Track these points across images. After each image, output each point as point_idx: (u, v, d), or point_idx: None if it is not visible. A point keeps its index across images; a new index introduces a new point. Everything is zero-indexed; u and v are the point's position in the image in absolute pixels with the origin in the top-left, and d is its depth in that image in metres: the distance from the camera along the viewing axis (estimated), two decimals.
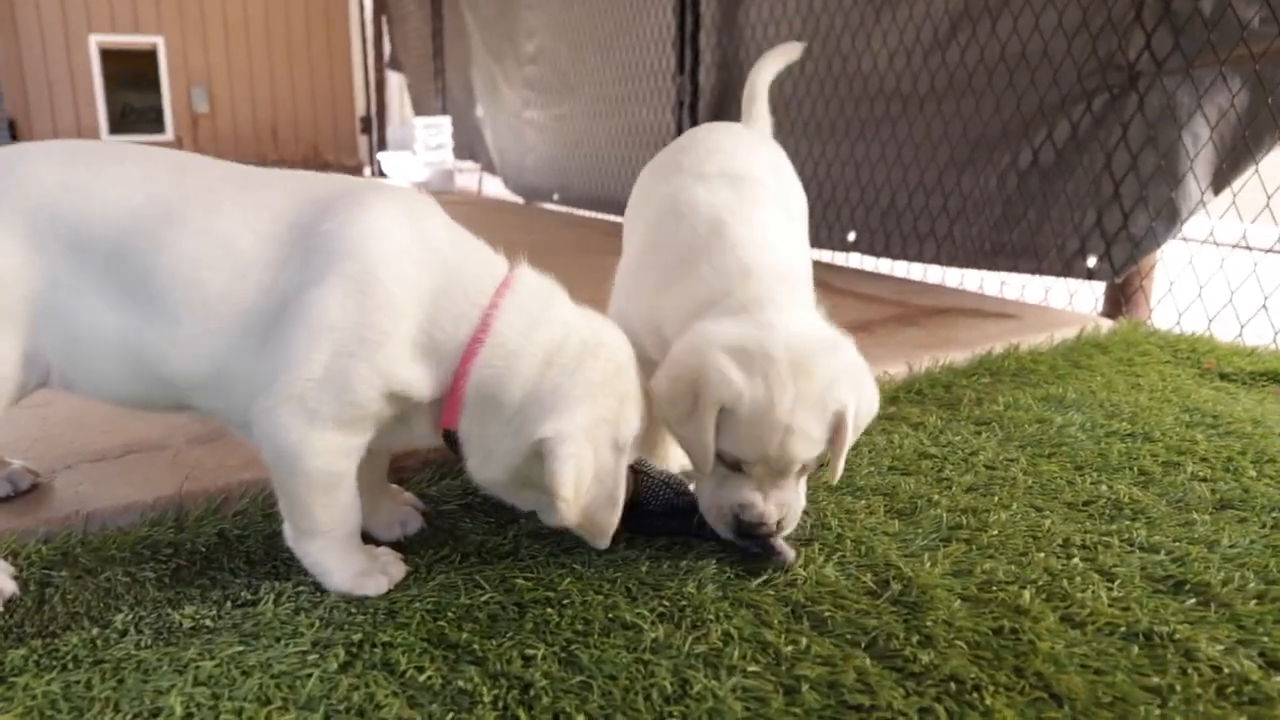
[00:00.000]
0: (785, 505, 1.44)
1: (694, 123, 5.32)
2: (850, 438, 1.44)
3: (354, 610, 1.31)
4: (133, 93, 11.66)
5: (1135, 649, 1.20)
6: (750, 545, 1.47)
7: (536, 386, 1.30)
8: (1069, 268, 3.32)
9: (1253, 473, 1.79)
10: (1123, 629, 1.25)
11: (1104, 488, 1.73)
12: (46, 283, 1.26)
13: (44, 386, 1.35)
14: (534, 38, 7.33)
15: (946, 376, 2.43)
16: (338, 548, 1.36)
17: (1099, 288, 3.35)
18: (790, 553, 1.46)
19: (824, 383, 1.40)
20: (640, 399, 1.40)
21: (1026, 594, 1.33)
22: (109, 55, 11.47)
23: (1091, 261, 3.24)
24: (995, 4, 3.48)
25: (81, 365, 1.31)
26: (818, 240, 4.09)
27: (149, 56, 11.76)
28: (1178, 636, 1.22)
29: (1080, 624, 1.26)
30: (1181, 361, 2.62)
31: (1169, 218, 3.01)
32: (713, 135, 1.96)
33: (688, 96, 5.36)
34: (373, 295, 1.24)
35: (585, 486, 1.29)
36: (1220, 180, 2.91)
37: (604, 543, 1.39)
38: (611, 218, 6.20)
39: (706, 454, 1.42)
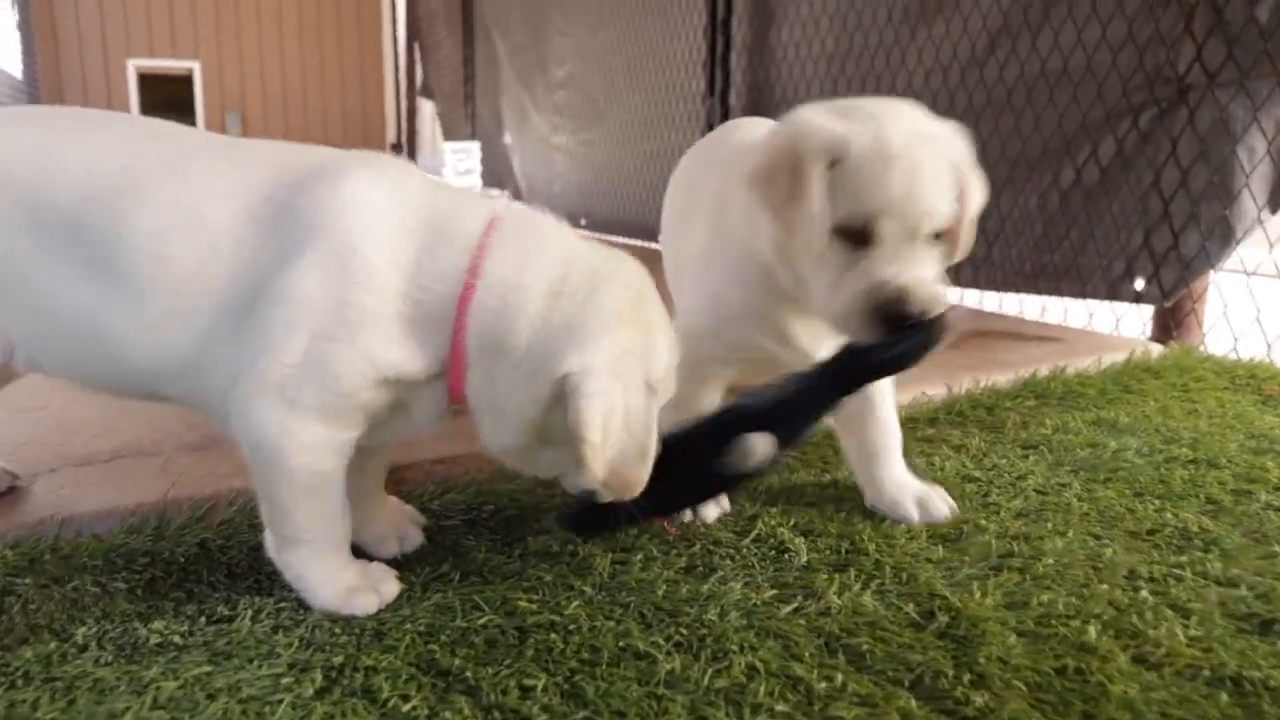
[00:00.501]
0: (923, 283, 1.25)
1: None
2: (975, 202, 1.30)
3: (338, 630, 1.18)
4: (168, 117, 11.80)
5: (1224, 696, 1.04)
6: (902, 342, 1.26)
7: (546, 321, 1.16)
8: (1115, 290, 3.16)
9: None
10: (1206, 672, 1.09)
11: (1169, 516, 1.57)
12: (2, 254, 1.16)
13: (12, 377, 1.25)
14: (564, 64, 7.32)
15: (989, 398, 2.28)
16: (323, 559, 1.24)
17: (1147, 312, 3.18)
18: (959, 311, 1.27)
19: (934, 130, 1.29)
20: (669, 330, 1.25)
21: (1091, 630, 1.18)
22: (146, 80, 11.67)
23: (1139, 284, 3.08)
24: (1036, 18, 3.36)
25: (45, 344, 1.21)
26: None
27: (185, 81, 11.96)
28: (1273, 683, 1.06)
29: (1156, 665, 1.11)
30: (1241, 388, 2.45)
31: (1223, 236, 2.85)
32: (752, 121, 1.88)
33: (718, 119, 5.27)
34: (353, 270, 1.12)
35: (614, 432, 1.13)
36: (1279, 197, 2.75)
37: (630, 496, 1.23)
38: (639, 243, 6.09)
39: (816, 226, 1.25)
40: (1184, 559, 1.40)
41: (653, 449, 1.19)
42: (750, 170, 1.33)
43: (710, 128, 5.30)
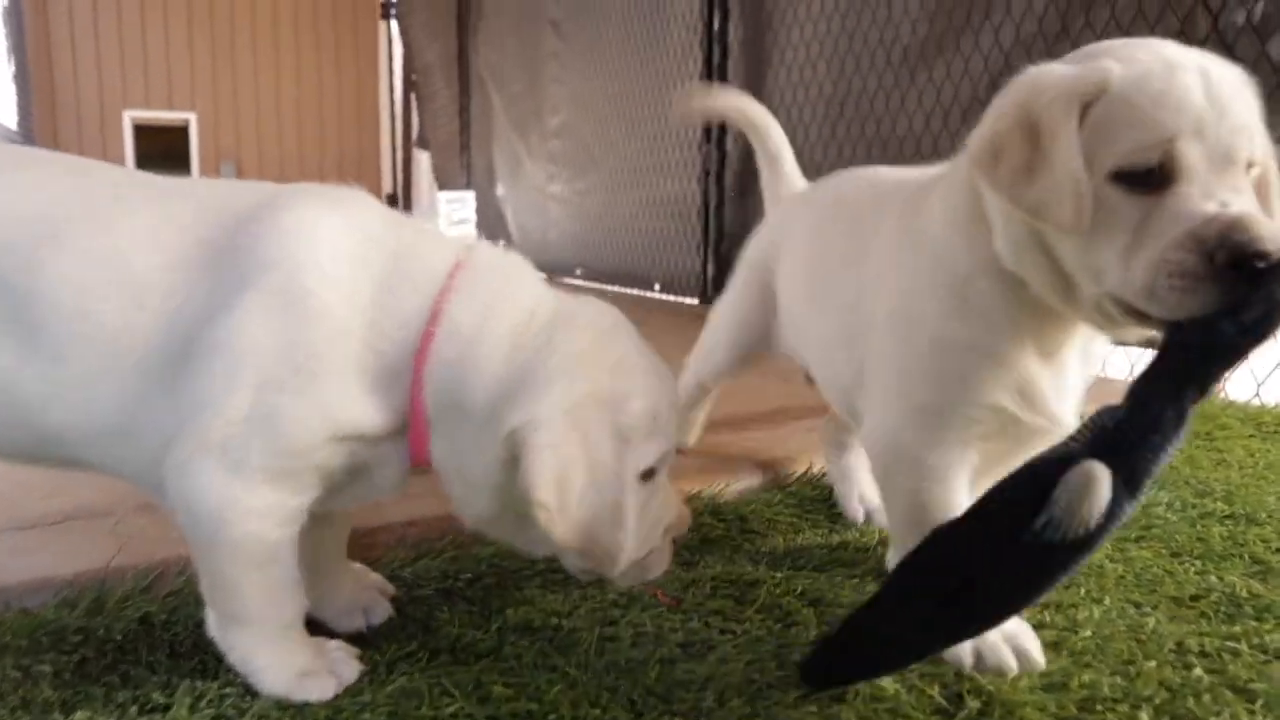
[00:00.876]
0: (1262, 216, 0.92)
1: (720, 193, 5.17)
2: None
3: None
4: (163, 168, 11.73)
5: None
6: (1258, 298, 0.87)
7: (506, 375, 1.04)
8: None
9: None
10: None
11: (1213, 579, 1.43)
12: None
13: None
14: (559, 112, 7.31)
15: None
16: (273, 639, 1.10)
17: None
18: None
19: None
20: (651, 369, 1.10)
21: (1144, 717, 1.04)
22: (142, 131, 11.68)
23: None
24: (1039, 57, 3.28)
25: None
26: None
27: (181, 132, 11.98)
28: None
29: None
30: (1270, 436, 2.33)
31: None
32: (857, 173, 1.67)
33: (714, 166, 5.21)
34: (302, 309, 1.00)
35: (577, 492, 0.99)
36: None
37: (615, 571, 1.07)
38: (635, 291, 6.02)
39: (1078, 186, 0.95)
40: (1237, 629, 1.26)
41: (630, 509, 1.04)
42: (972, 152, 1.06)
43: (707, 174, 5.23)
